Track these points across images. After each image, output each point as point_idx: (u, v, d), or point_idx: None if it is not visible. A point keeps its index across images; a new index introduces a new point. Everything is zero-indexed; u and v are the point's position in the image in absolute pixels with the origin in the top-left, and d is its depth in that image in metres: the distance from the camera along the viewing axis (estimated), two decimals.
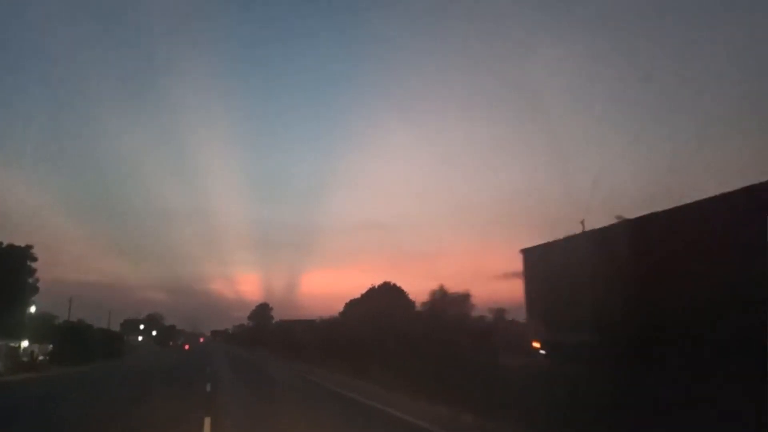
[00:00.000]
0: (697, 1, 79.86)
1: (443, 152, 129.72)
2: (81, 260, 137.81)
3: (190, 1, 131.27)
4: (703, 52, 75.35)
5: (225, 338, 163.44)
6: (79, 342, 50.57)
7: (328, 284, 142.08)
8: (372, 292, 53.22)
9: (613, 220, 16.69)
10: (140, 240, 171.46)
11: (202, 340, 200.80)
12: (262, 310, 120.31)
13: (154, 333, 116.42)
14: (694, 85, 76.39)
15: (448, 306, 28.04)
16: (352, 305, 54.15)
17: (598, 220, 18.19)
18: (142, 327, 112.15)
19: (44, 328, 49.01)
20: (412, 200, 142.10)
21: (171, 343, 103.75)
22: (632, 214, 16.18)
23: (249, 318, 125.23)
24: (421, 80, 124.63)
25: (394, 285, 53.55)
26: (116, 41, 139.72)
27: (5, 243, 44.90)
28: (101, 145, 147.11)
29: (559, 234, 20.97)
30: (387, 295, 50.18)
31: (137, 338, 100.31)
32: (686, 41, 77.41)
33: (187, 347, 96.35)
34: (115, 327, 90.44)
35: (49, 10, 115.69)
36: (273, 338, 74.07)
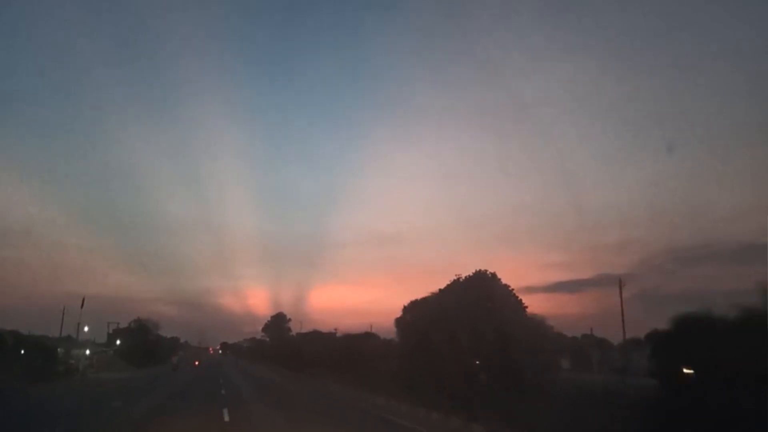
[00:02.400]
0: (707, 15, 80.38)
1: (451, 168, 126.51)
2: (86, 273, 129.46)
3: (205, 18, 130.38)
4: (710, 66, 78.51)
5: (235, 352, 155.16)
6: None
7: (336, 299, 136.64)
8: (456, 285, 31.47)
9: None
10: (148, 253, 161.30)
11: (211, 350, 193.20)
12: (278, 321, 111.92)
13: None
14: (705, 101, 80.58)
15: None
16: (417, 307, 33.09)
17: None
18: None
19: None
20: (420, 215, 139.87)
21: (173, 358, 72.75)
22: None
23: (263, 330, 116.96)
24: (429, 96, 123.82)
25: (488, 272, 31.46)
26: (130, 56, 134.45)
27: None
28: (112, 158, 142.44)
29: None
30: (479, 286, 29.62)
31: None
32: (696, 54, 79.85)
33: (197, 363, 75.42)
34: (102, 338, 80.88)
35: (63, 23, 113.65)
36: (293, 352, 66.04)
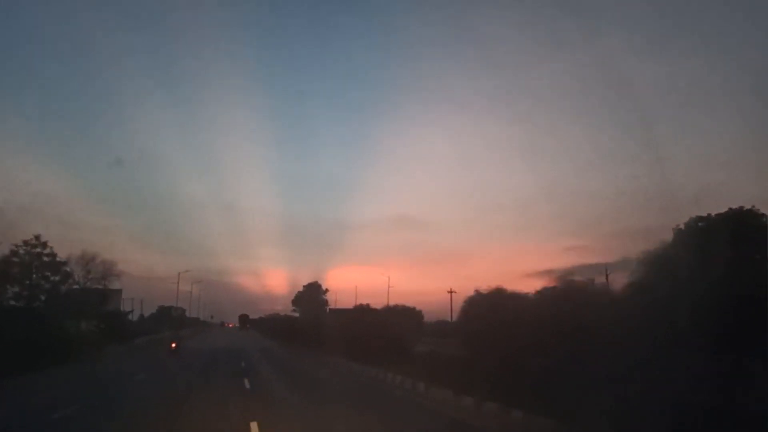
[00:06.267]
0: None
1: (471, 152, 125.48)
2: (109, 252, 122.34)
3: (223, 3, 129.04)
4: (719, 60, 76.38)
5: (259, 328, 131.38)
6: None
7: (354, 281, 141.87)
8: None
9: None
10: (168, 233, 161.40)
11: (230, 325, 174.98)
12: (312, 292, 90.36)
13: None
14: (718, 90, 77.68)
15: None
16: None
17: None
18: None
19: None
20: (440, 199, 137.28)
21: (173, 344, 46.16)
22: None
23: (294, 303, 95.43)
24: (448, 80, 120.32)
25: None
26: (150, 44, 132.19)
27: None
28: (132, 141, 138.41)
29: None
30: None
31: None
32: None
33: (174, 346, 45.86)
34: None
35: (82, 11, 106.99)
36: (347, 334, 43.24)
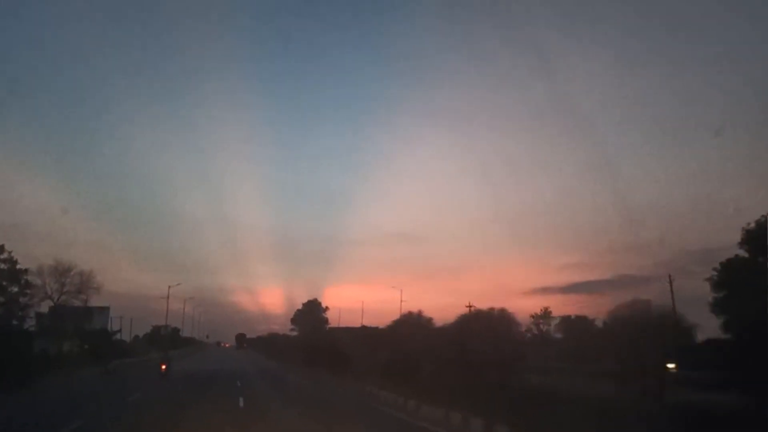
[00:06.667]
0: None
1: (469, 166, 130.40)
2: (103, 269, 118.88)
3: (219, 18, 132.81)
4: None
5: (259, 348, 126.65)
6: None
7: (352, 299, 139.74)
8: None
9: None
10: (162, 251, 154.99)
11: (227, 345, 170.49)
12: (312, 310, 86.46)
13: None
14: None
15: None
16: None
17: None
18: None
19: None
20: (436, 215, 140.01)
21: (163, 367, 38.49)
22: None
23: (292, 322, 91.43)
24: (447, 94, 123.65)
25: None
26: (146, 56, 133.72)
27: None
28: (126, 158, 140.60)
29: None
30: None
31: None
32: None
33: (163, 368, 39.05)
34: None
35: (77, 24, 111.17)
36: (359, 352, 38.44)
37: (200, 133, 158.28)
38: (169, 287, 75.73)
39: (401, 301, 74.36)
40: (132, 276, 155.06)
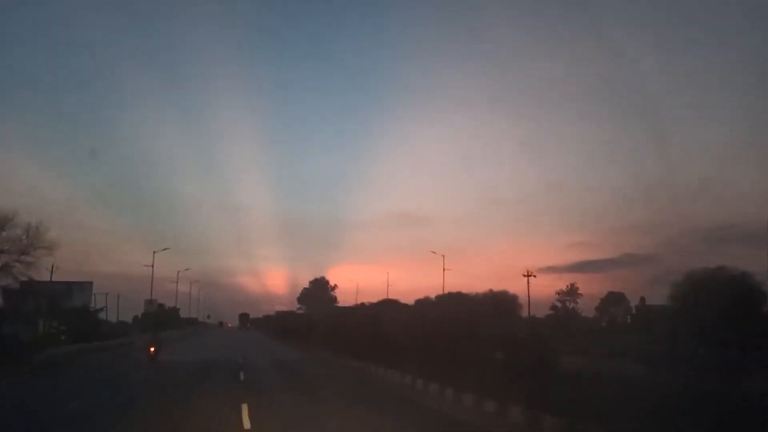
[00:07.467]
0: None
1: (472, 149, 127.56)
2: (107, 253, 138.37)
3: (222, 8, 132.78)
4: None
5: (262, 328, 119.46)
6: None
7: (354, 279, 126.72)
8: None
9: None
10: (167, 233, 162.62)
11: (229, 325, 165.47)
12: (319, 289, 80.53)
13: None
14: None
15: None
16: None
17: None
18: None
19: None
20: (442, 196, 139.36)
21: (152, 348, 34.01)
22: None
23: (299, 301, 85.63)
24: (449, 77, 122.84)
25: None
26: (149, 41, 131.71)
27: None
28: (131, 141, 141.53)
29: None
30: None
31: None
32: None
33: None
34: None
35: (84, 13, 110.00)
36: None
37: (204, 117, 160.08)
38: (178, 272, 75.90)
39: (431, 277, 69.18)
40: (139, 258, 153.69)
